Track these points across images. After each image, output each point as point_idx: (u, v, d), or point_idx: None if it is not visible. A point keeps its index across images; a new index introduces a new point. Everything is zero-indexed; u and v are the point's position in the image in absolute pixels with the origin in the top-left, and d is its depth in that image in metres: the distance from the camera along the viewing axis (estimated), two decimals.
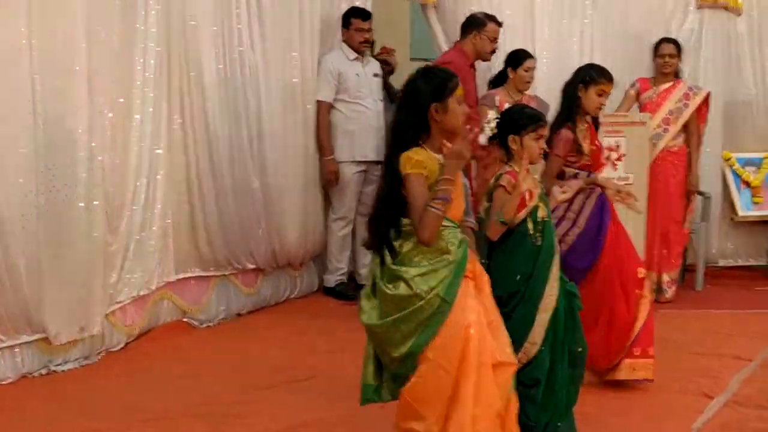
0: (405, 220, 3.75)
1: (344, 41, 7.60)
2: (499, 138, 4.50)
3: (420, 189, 3.70)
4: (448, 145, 3.77)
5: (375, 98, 7.63)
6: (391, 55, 8.22)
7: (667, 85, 7.96)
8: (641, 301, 5.57)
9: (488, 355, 3.75)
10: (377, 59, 7.96)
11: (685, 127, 7.99)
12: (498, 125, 4.48)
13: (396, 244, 3.77)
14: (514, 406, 3.91)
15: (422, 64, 9.21)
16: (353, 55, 7.58)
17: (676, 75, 8.06)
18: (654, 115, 7.77)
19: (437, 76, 3.83)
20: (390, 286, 3.73)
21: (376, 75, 7.75)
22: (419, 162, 3.70)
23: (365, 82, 7.59)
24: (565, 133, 5.43)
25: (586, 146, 5.50)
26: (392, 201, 3.76)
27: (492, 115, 4.50)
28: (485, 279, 3.94)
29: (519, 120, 4.46)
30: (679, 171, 7.98)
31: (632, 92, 8.02)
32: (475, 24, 7.02)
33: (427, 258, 3.73)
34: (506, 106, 4.67)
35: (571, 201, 5.42)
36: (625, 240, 5.64)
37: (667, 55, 7.93)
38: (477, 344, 3.70)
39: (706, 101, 7.99)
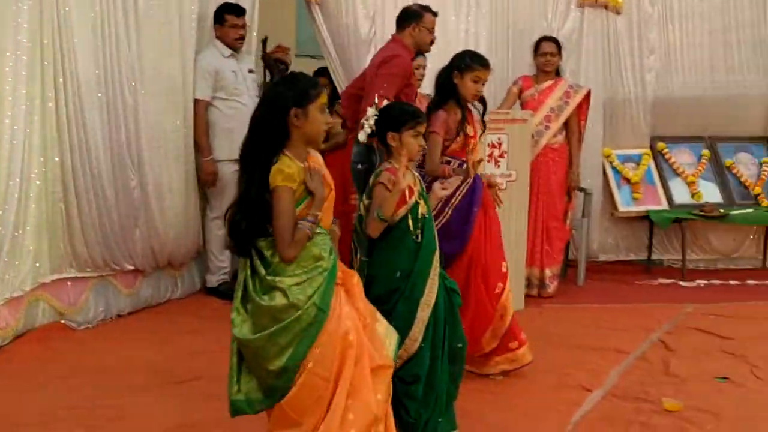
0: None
1: (218, 37, 7.51)
2: (378, 135, 4.48)
3: (288, 205, 3.65)
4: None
5: (251, 95, 7.56)
6: (285, 53, 8.18)
7: (548, 83, 8.08)
8: (507, 294, 5.64)
9: (366, 359, 3.74)
10: (271, 57, 7.90)
11: (566, 125, 8.12)
12: (376, 122, 4.45)
13: (268, 253, 3.70)
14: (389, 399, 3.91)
15: (309, 61, 9.32)
16: (228, 51, 7.50)
17: (557, 73, 8.18)
18: (536, 112, 7.88)
19: (300, 82, 3.77)
20: (265, 297, 3.65)
21: (251, 71, 7.71)
22: (290, 175, 3.65)
23: (241, 79, 7.53)
24: (442, 113, 5.48)
25: (467, 127, 5.55)
26: (259, 208, 3.67)
27: (371, 112, 4.47)
28: (354, 281, 3.90)
29: (398, 117, 4.44)
30: (560, 168, 8.10)
31: (515, 90, 8.12)
32: (412, 16, 6.97)
33: (301, 266, 3.68)
34: (385, 102, 4.62)
35: None
36: (495, 233, 5.68)
37: (547, 54, 8.04)
38: (355, 350, 3.70)
39: (586, 99, 8.14)
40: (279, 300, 3.63)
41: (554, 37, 8.21)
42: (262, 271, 3.68)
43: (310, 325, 3.63)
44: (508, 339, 5.64)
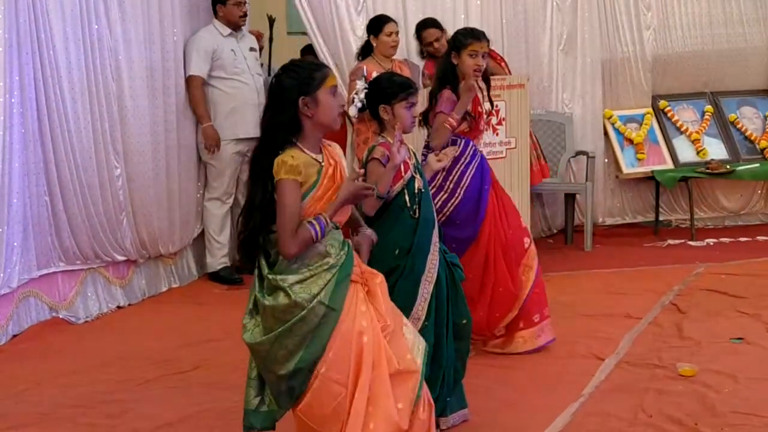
0: None
1: (221, 17, 7.45)
2: (370, 109, 4.35)
3: (292, 198, 3.45)
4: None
5: (253, 73, 7.53)
6: (260, 39, 8.11)
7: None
8: (527, 272, 5.53)
9: (384, 364, 3.49)
10: None
11: None
12: (367, 96, 4.30)
13: (273, 251, 3.53)
14: (428, 410, 3.64)
15: (299, 38, 9.19)
16: (227, 31, 7.46)
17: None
18: None
19: (302, 69, 3.56)
20: (269, 297, 3.47)
21: (252, 49, 7.66)
22: (293, 167, 3.44)
23: (241, 58, 7.47)
24: (447, 92, 5.33)
25: (472, 108, 5.40)
26: (266, 207, 3.49)
27: (360, 85, 4.31)
28: (377, 281, 3.68)
29: (388, 89, 4.31)
30: None
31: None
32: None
33: (306, 264, 3.49)
34: (374, 75, 4.48)
35: (449, 171, 5.30)
36: (509, 209, 5.58)
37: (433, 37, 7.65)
38: (371, 353, 3.47)
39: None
40: (282, 299, 3.44)
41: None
42: (265, 269, 3.52)
43: (319, 325, 3.43)
44: (531, 311, 5.51)
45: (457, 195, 5.33)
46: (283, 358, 3.45)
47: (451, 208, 5.30)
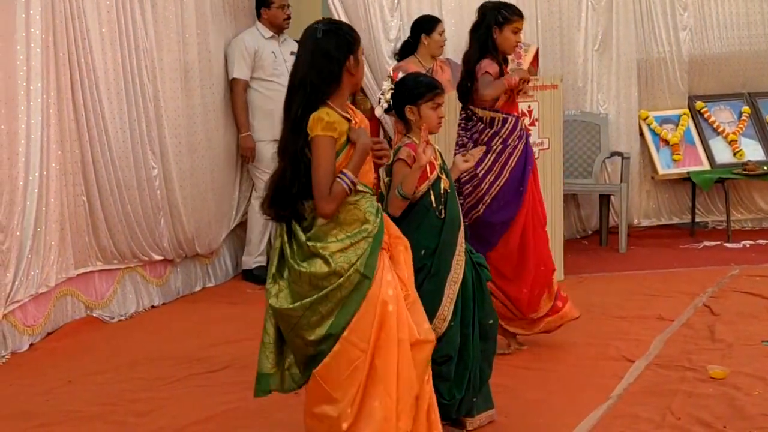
0: None
1: (265, 20, 7.52)
2: (396, 109, 4.36)
3: (328, 154, 3.51)
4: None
5: None
6: None
7: None
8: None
9: (405, 332, 3.58)
10: None
11: None
12: (393, 96, 4.32)
13: (310, 216, 3.57)
14: (429, 384, 3.78)
15: None
16: (269, 33, 7.53)
17: None
18: None
19: (344, 30, 3.68)
20: (304, 264, 3.51)
21: (293, 54, 7.57)
22: (330, 124, 3.50)
23: (281, 61, 7.51)
24: (487, 61, 5.37)
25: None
26: (301, 167, 3.54)
27: (386, 86, 4.34)
28: (401, 247, 3.74)
29: (414, 89, 4.33)
30: None
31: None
32: None
33: (344, 231, 3.54)
34: (400, 75, 4.49)
35: (499, 153, 5.36)
36: (538, 190, 5.64)
37: None
38: (395, 322, 3.54)
39: (535, 57, 7.84)
40: (320, 267, 3.48)
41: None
42: (302, 236, 3.54)
43: (352, 292, 3.50)
44: (557, 300, 5.58)
45: (503, 175, 5.38)
46: (315, 323, 3.51)
47: (497, 189, 5.35)
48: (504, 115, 5.42)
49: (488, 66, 5.36)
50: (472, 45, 5.51)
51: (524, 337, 5.63)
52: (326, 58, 3.56)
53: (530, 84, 5.63)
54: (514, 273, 5.43)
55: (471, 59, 5.47)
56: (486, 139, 5.38)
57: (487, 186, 5.35)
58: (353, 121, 3.62)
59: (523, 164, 5.43)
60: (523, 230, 5.43)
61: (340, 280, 3.48)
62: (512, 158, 5.40)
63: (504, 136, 5.40)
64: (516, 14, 5.46)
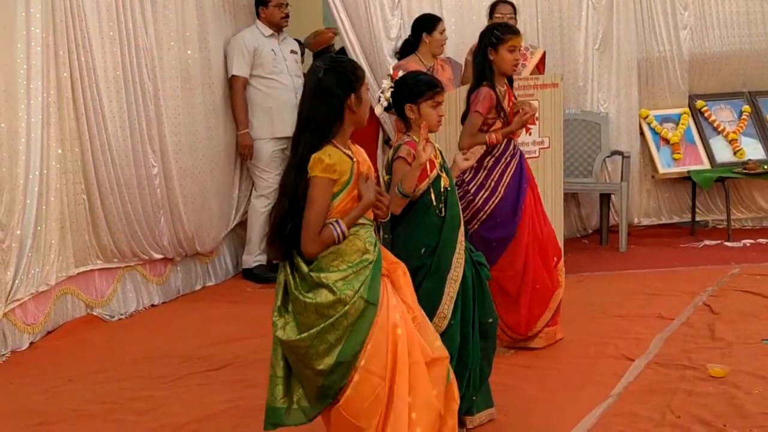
0: None
1: (263, 19, 7.54)
2: (396, 108, 4.35)
3: (323, 195, 3.53)
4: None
5: (291, 75, 7.60)
6: (331, 39, 8.46)
7: None
8: (562, 269, 5.60)
9: (418, 353, 3.61)
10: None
11: None
12: (393, 95, 4.32)
13: None
14: (455, 397, 3.80)
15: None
16: (268, 31, 7.55)
17: None
18: None
19: (346, 66, 3.69)
20: (309, 294, 3.53)
21: (293, 52, 7.75)
22: (330, 166, 3.52)
23: (281, 59, 7.54)
24: (486, 90, 5.33)
25: (506, 105, 5.42)
26: (295, 197, 3.55)
27: (386, 84, 4.33)
28: (400, 272, 3.77)
29: (414, 88, 4.31)
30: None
31: (469, 58, 7.82)
32: None
33: (346, 261, 3.56)
34: (401, 74, 4.49)
35: (491, 169, 5.35)
36: (541, 207, 5.61)
37: (506, 15, 7.67)
38: (405, 344, 3.56)
39: (542, 60, 7.85)
40: (325, 296, 3.50)
41: (510, 1, 7.89)
42: (305, 267, 3.56)
43: (359, 319, 3.51)
44: (557, 314, 5.59)
45: (498, 193, 5.37)
46: (324, 352, 3.51)
47: (492, 206, 5.34)
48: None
49: (480, 103, 5.30)
50: (472, 71, 5.52)
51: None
52: (327, 96, 3.58)
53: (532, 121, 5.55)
54: (516, 291, 5.43)
55: (471, 84, 5.48)
56: (478, 157, 5.35)
57: (481, 202, 5.33)
58: (355, 160, 3.62)
59: (518, 182, 5.41)
60: (526, 249, 5.42)
61: (346, 308, 3.50)
62: (506, 175, 5.39)
63: (496, 155, 5.39)
64: (509, 32, 5.41)
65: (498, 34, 5.40)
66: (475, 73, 5.48)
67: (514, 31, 5.45)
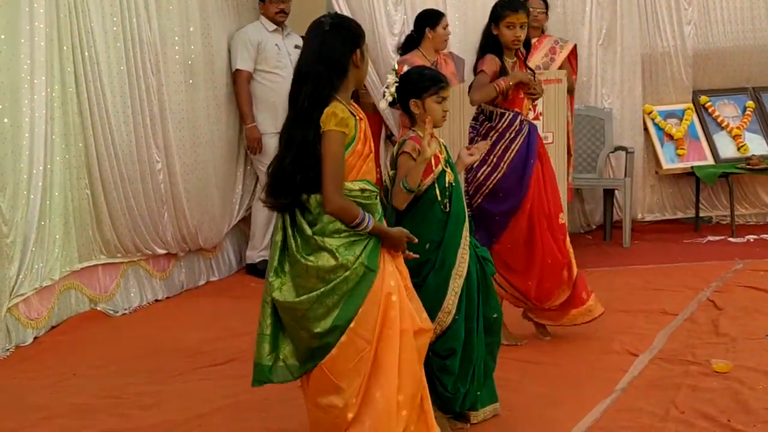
0: None
1: (263, 14, 7.57)
2: (401, 103, 4.35)
3: (341, 149, 3.57)
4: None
5: None
6: None
7: (533, 41, 7.80)
8: (569, 245, 5.61)
9: (408, 321, 3.66)
10: None
11: None
12: (398, 90, 4.31)
13: (316, 211, 3.61)
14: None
15: None
16: (272, 26, 7.57)
17: (542, 31, 7.90)
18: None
19: (350, 24, 3.78)
20: (311, 258, 3.56)
21: (297, 47, 7.65)
22: (343, 120, 3.56)
23: (285, 53, 7.54)
24: (490, 56, 5.40)
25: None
26: (309, 158, 3.58)
27: (391, 79, 4.32)
28: None
29: (419, 83, 4.31)
30: None
31: None
32: None
33: (348, 229, 3.60)
34: (406, 68, 4.49)
35: (493, 145, 5.37)
36: (553, 182, 5.62)
37: (536, 9, 7.68)
38: (398, 312, 3.61)
39: (573, 53, 7.86)
40: (327, 260, 3.55)
41: None
42: (308, 230, 3.59)
43: (358, 284, 3.56)
44: (580, 290, 5.57)
45: (500, 169, 5.39)
46: (322, 316, 3.56)
47: (494, 181, 5.37)
48: (502, 110, 5.42)
49: (485, 64, 5.38)
50: (479, 44, 5.57)
51: (523, 332, 5.67)
52: (334, 51, 3.62)
53: (537, 87, 5.55)
54: (522, 266, 5.46)
55: (476, 58, 5.53)
56: (484, 131, 5.43)
57: (483, 177, 5.37)
58: (359, 117, 3.67)
59: (524, 158, 5.41)
60: (529, 223, 5.43)
61: (347, 273, 3.54)
62: (510, 151, 5.39)
63: (500, 130, 5.41)
64: (508, 9, 5.42)
65: (498, 9, 5.46)
66: (479, 44, 5.55)
67: (513, 8, 5.44)
